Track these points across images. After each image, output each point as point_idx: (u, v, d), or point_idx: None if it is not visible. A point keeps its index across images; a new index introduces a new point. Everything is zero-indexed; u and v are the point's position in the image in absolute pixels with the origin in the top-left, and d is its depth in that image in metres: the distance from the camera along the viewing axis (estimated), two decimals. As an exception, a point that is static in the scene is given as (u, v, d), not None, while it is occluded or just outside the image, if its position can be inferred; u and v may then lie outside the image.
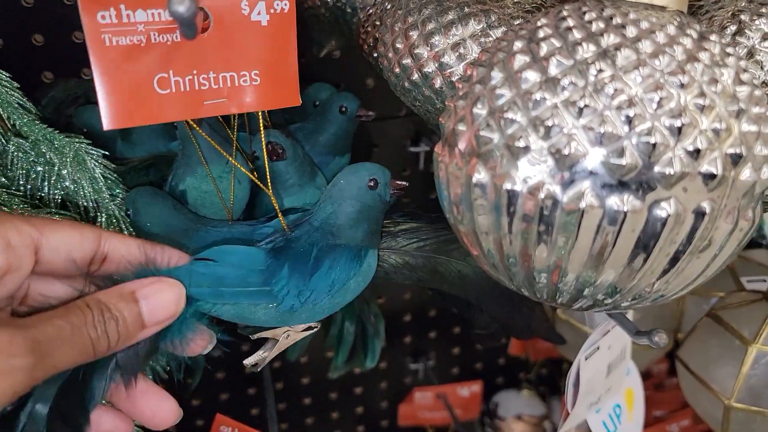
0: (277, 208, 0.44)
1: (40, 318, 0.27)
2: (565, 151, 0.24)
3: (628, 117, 0.24)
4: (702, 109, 0.24)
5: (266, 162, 0.45)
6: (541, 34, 0.26)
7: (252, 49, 0.37)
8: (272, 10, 0.36)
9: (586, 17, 0.26)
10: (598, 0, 0.28)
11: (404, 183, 0.44)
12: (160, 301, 0.33)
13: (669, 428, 0.72)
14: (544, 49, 0.26)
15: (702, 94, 0.24)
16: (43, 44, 0.63)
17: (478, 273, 0.46)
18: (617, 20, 0.26)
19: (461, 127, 0.28)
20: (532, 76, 0.25)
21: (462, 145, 0.28)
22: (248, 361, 0.44)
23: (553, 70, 0.25)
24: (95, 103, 0.58)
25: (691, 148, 0.24)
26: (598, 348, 0.43)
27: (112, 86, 0.33)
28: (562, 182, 0.25)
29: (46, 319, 0.27)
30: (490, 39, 0.35)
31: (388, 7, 0.50)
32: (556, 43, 0.26)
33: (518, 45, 0.27)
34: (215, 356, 0.74)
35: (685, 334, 0.61)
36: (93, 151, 0.48)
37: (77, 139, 0.48)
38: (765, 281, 0.53)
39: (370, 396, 0.94)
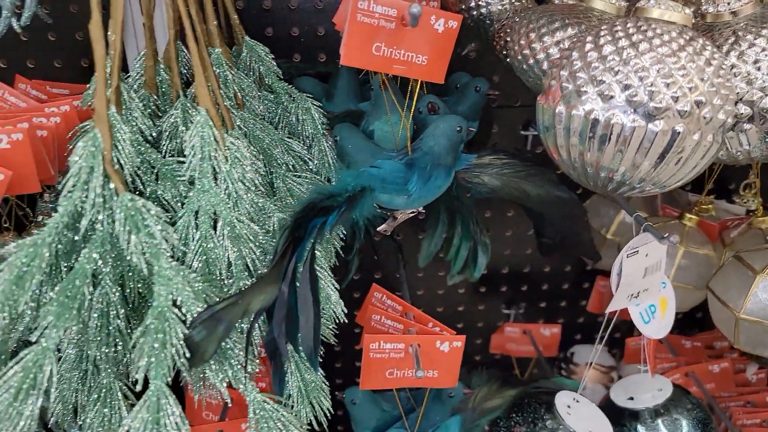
0: (408, 139, 0.68)
1: None
2: (606, 93, 0.47)
3: (641, 77, 0.46)
4: (683, 75, 0.46)
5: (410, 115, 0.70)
6: (602, 33, 0.49)
7: (428, 44, 0.61)
8: (446, 24, 0.60)
9: (627, 25, 0.48)
10: (637, 17, 0.50)
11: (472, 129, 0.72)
12: None
13: (710, 368, 0.89)
14: (601, 41, 0.48)
15: (683, 68, 0.46)
16: (271, 35, 0.91)
17: (551, 195, 0.69)
18: (643, 27, 0.48)
19: (553, 83, 0.51)
20: (592, 54, 0.48)
21: (552, 93, 0.50)
22: (380, 229, 0.69)
23: (604, 51, 0.47)
24: (309, 75, 0.86)
25: (674, 95, 0.45)
26: (637, 252, 0.63)
27: (351, 42, 0.58)
28: (603, 109, 0.47)
29: None
30: (579, 39, 0.57)
31: (517, 19, 0.73)
32: (609, 38, 0.48)
33: (589, 38, 0.49)
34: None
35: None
36: (315, 104, 0.74)
37: (306, 95, 0.75)
38: (781, 236, 0.71)
39: (468, 331, 1.16)
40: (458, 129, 0.66)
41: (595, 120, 0.47)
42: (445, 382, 0.72)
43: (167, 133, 0.62)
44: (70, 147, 0.66)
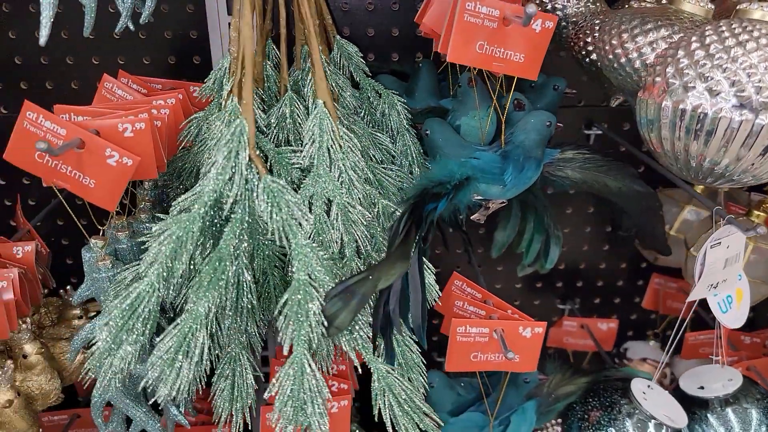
0: (503, 133, 0.72)
1: None
2: (714, 89, 0.50)
3: (748, 74, 0.49)
4: (788, 73, 0.49)
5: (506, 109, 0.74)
6: (707, 32, 0.52)
7: (525, 42, 0.64)
8: (543, 25, 0.64)
9: (732, 26, 0.52)
10: (740, 18, 0.53)
11: (560, 124, 0.74)
12: None
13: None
14: (707, 40, 0.52)
15: (789, 66, 0.49)
16: (348, 35, 0.95)
17: (630, 189, 0.72)
18: (749, 27, 0.51)
19: (658, 79, 0.54)
20: (699, 53, 0.51)
21: (657, 88, 0.54)
22: (474, 217, 0.73)
23: (712, 50, 0.51)
24: (386, 73, 0.89)
25: (780, 91, 0.49)
26: (720, 243, 0.66)
27: (458, 40, 0.62)
28: (711, 104, 0.50)
29: None
30: (674, 40, 0.60)
31: (597, 21, 0.77)
32: (715, 37, 0.51)
33: (694, 38, 0.53)
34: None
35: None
36: (399, 100, 0.78)
37: (391, 91, 0.78)
38: None
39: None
40: (547, 124, 0.70)
41: (703, 114, 0.51)
42: (525, 366, 0.75)
43: (275, 124, 0.67)
44: (181, 138, 0.71)
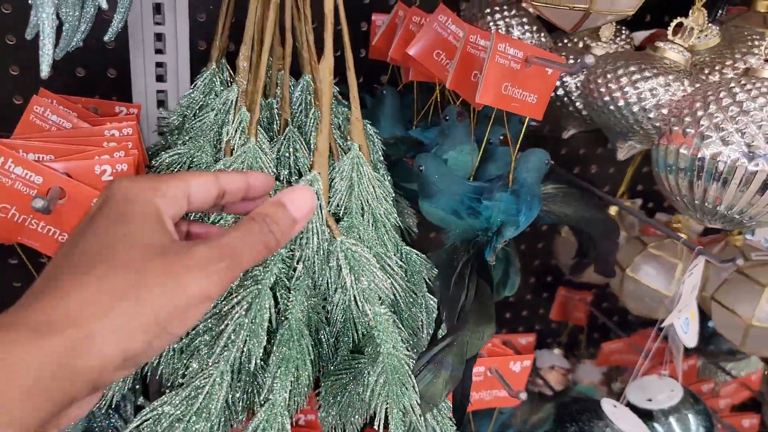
0: (512, 170, 0.71)
1: (223, 233, 0.34)
2: (753, 143, 0.54)
3: (759, 126, 0.53)
4: (809, 131, 0.54)
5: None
6: (734, 89, 0.56)
7: (539, 84, 0.64)
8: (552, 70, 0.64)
9: (756, 84, 0.56)
10: (755, 77, 0.58)
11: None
12: (300, 201, 0.36)
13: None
14: (738, 97, 0.55)
15: (809, 125, 0.54)
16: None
17: (597, 218, 0.76)
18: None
19: (689, 130, 0.57)
20: (734, 109, 0.55)
21: (689, 139, 0.57)
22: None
23: (746, 107, 0.55)
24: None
25: (801, 147, 0.54)
26: (692, 274, 0.72)
27: (489, 81, 0.59)
28: (747, 158, 0.54)
29: (227, 233, 0.34)
30: (671, 87, 0.64)
31: (562, 58, 0.79)
32: (744, 96, 0.55)
33: (723, 93, 0.56)
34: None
35: (709, 292, 0.92)
36: (375, 131, 0.73)
37: (365, 120, 0.74)
38: (769, 254, 0.84)
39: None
40: (546, 162, 0.70)
41: (744, 168, 0.54)
42: (512, 401, 0.75)
43: (279, 162, 0.59)
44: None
